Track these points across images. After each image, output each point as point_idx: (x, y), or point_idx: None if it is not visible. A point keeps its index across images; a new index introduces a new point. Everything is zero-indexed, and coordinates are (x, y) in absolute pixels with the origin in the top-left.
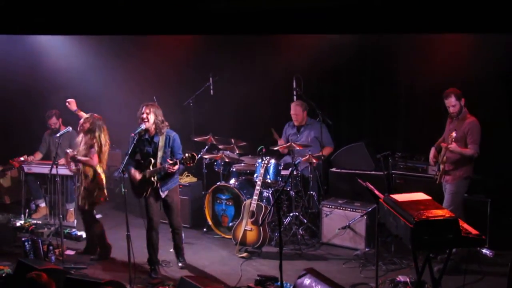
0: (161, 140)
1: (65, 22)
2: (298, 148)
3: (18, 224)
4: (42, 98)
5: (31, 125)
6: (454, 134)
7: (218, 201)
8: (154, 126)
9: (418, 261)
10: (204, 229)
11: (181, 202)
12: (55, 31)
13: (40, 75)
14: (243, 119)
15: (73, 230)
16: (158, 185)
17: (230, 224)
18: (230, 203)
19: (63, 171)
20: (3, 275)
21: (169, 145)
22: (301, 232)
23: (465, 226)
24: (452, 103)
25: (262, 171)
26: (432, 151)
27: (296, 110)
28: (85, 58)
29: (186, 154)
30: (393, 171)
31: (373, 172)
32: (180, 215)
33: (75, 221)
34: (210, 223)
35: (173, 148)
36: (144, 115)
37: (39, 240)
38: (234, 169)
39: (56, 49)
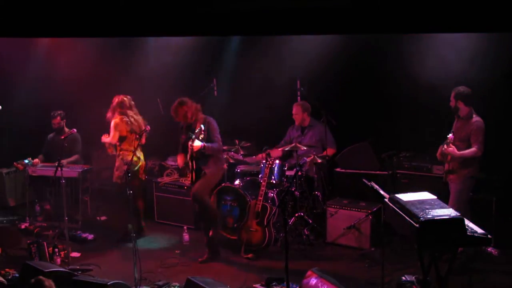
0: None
1: (68, 24)
2: (302, 149)
3: (23, 226)
4: (47, 101)
5: (35, 127)
6: (451, 136)
7: (223, 202)
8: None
9: (423, 261)
10: None
11: (185, 204)
12: (56, 34)
13: (45, 77)
14: (247, 120)
15: (79, 232)
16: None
17: (235, 225)
18: (235, 204)
19: (68, 173)
20: (9, 277)
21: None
22: (306, 233)
23: (471, 225)
24: (451, 98)
25: (266, 171)
26: (440, 148)
27: (295, 109)
28: (88, 60)
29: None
30: (398, 171)
31: (378, 172)
32: (206, 191)
33: (80, 223)
34: None
35: (209, 131)
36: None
37: (44, 243)
38: (238, 170)
39: (61, 51)
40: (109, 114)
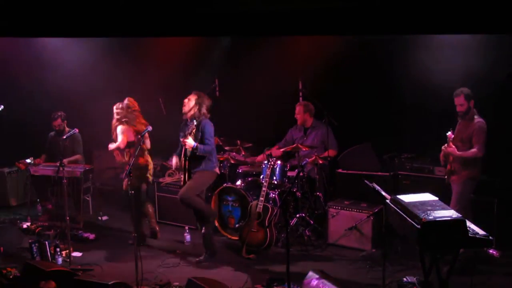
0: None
1: (69, 24)
2: (303, 150)
3: (24, 226)
4: (48, 100)
5: (36, 127)
6: (450, 133)
7: (224, 203)
8: (191, 113)
9: (425, 262)
10: None
11: None
12: (58, 34)
13: (47, 76)
14: (249, 121)
15: (80, 231)
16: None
17: (237, 225)
18: (237, 205)
19: (70, 172)
20: (11, 277)
21: (199, 130)
22: (308, 233)
23: (472, 226)
24: (460, 101)
25: (268, 172)
26: (443, 151)
27: (298, 109)
28: (90, 60)
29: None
30: (399, 172)
31: (379, 173)
32: (193, 193)
33: (82, 223)
34: (217, 224)
35: (203, 133)
36: (186, 100)
37: (46, 242)
38: (240, 170)
39: (63, 51)
40: (114, 121)
